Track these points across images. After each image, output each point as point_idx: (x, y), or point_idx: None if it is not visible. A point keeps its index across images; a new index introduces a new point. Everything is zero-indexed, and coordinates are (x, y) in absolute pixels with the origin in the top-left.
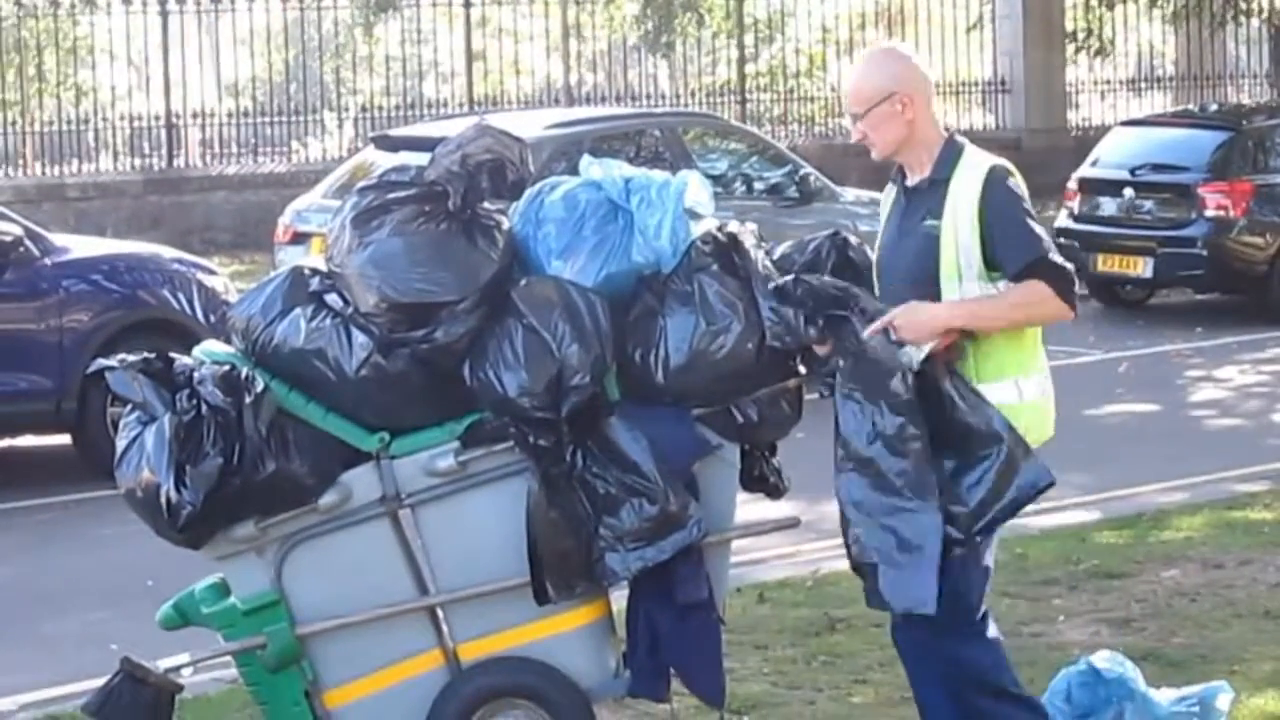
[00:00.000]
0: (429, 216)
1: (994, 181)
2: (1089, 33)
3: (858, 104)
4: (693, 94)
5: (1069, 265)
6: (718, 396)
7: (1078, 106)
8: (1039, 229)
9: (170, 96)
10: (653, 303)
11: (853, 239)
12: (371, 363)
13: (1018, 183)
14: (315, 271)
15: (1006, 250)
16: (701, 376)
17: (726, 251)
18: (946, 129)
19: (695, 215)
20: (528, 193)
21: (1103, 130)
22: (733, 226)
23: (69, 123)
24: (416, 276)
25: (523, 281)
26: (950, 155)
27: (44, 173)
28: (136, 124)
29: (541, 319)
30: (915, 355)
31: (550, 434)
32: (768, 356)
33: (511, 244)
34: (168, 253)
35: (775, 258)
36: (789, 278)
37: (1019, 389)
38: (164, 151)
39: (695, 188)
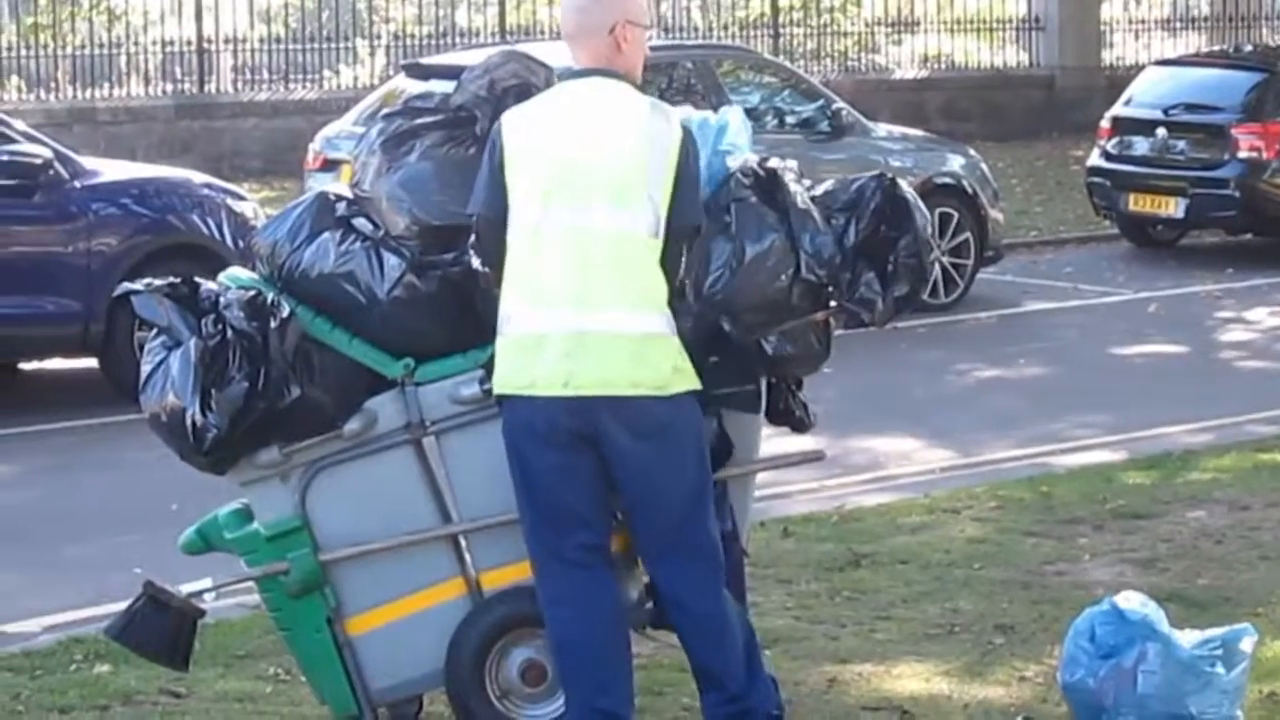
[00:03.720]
0: (457, 141)
1: None
2: None
3: None
4: (725, 27)
5: None
6: (748, 326)
7: (1112, 45)
8: None
9: (202, 21)
10: None
11: (900, 181)
12: (404, 283)
13: None
14: (341, 196)
15: None
16: (734, 304)
17: (765, 184)
18: None
19: (732, 153)
20: None
21: (1136, 69)
22: (773, 161)
23: (101, 46)
24: (447, 199)
25: None
26: None
27: (75, 96)
28: (169, 49)
29: None
30: None
31: None
32: (800, 289)
33: None
34: (197, 178)
35: (817, 195)
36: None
37: None
38: (195, 77)
39: (736, 127)
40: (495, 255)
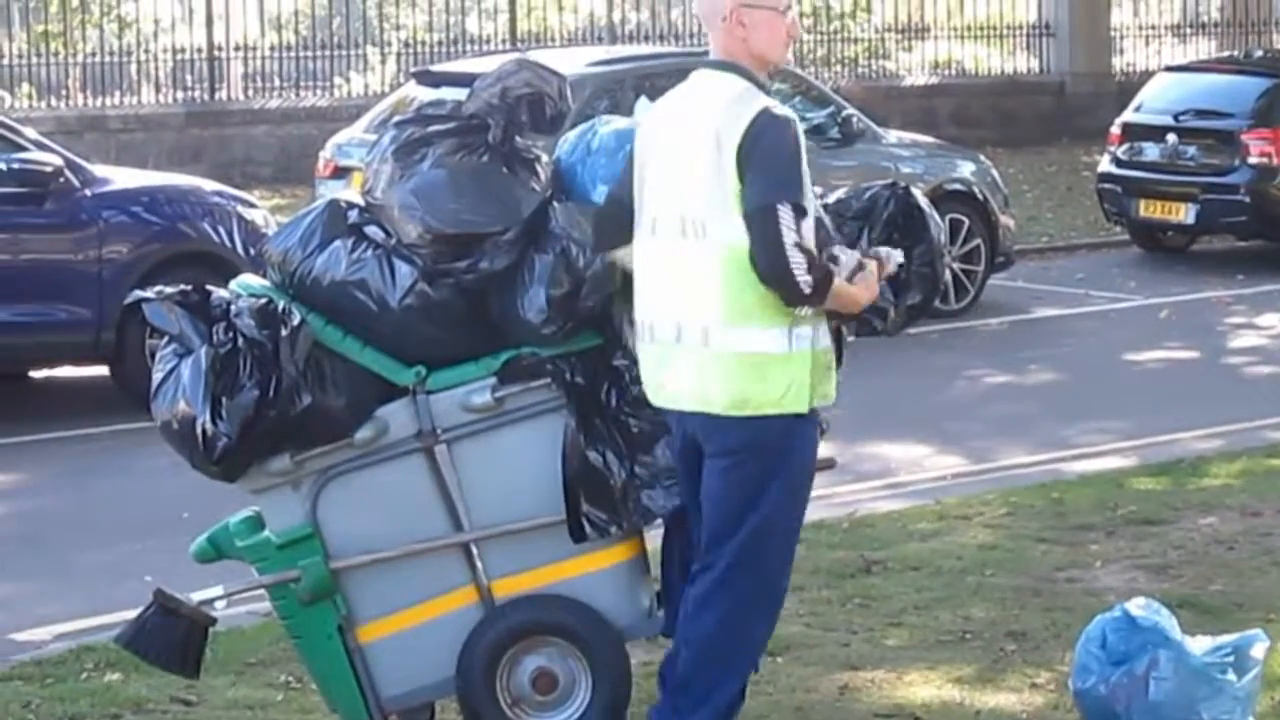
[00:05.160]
0: (470, 149)
1: None
2: None
3: None
4: None
5: None
6: None
7: (1122, 51)
8: None
9: (213, 29)
10: None
11: (915, 190)
12: (416, 291)
13: None
14: (353, 204)
15: None
16: None
17: None
18: None
19: None
20: (580, 127)
21: (1147, 75)
22: None
23: (112, 54)
24: (460, 208)
25: (556, 205)
26: None
27: (86, 104)
28: (179, 56)
29: (571, 239)
30: None
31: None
32: None
33: (553, 176)
34: (208, 185)
35: (831, 202)
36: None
37: None
38: (206, 84)
39: None
40: (607, 242)
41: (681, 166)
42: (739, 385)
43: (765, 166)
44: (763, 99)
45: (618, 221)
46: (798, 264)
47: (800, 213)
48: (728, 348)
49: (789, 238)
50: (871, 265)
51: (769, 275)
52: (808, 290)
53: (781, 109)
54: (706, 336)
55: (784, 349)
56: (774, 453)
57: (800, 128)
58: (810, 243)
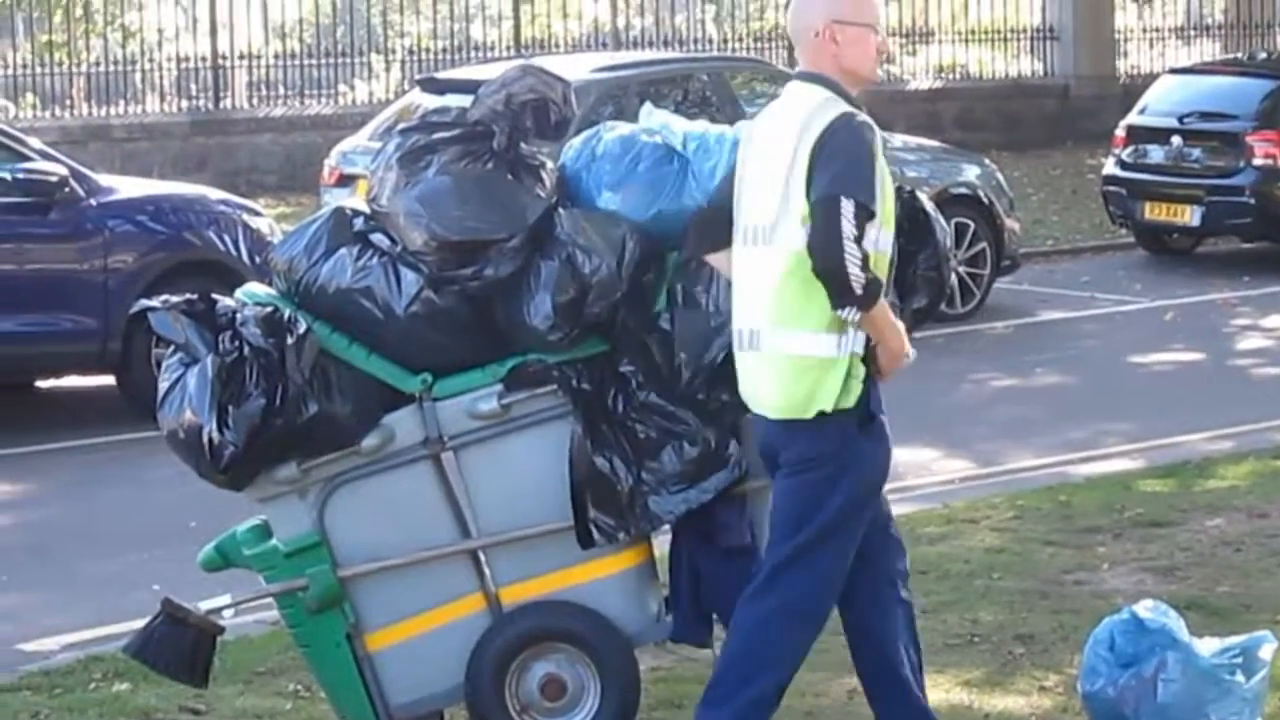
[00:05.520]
0: (475, 156)
1: None
2: None
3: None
4: (740, 39)
5: None
6: None
7: (1126, 54)
8: None
9: (217, 38)
10: None
11: (920, 194)
12: (422, 299)
13: None
14: (358, 212)
15: None
16: None
17: None
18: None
19: None
20: (585, 133)
21: (1151, 78)
22: None
23: (116, 63)
24: (465, 215)
25: (562, 212)
26: None
27: (91, 113)
28: (184, 65)
29: (577, 245)
30: None
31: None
32: None
33: (558, 183)
34: (213, 194)
35: None
36: None
37: None
38: (211, 93)
39: None
40: (701, 246)
41: (764, 175)
42: (793, 389)
43: (834, 161)
44: (844, 105)
45: (715, 227)
46: (852, 257)
47: (865, 214)
48: (781, 351)
49: (848, 230)
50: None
51: (822, 265)
52: (858, 289)
53: (862, 115)
54: (763, 339)
55: (834, 353)
56: (835, 463)
57: (879, 136)
58: (870, 247)
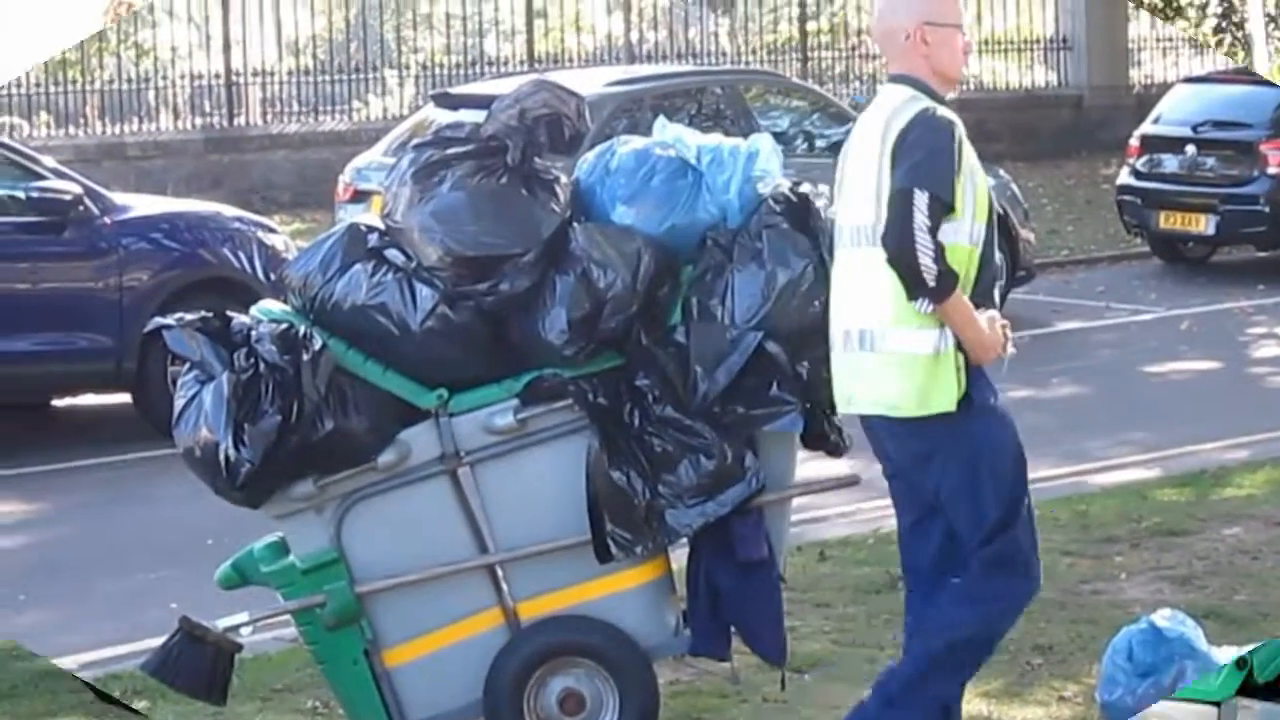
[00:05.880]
0: (489, 171)
1: None
2: None
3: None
4: (754, 51)
5: None
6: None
7: (1140, 64)
8: None
9: (231, 55)
10: (721, 257)
11: None
12: (437, 314)
13: None
14: (372, 228)
15: None
16: (767, 330)
17: (797, 209)
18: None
19: (763, 179)
20: (599, 147)
21: (1165, 87)
22: (805, 187)
23: (129, 81)
24: (480, 230)
25: (576, 226)
26: None
27: (105, 131)
28: (197, 82)
29: (591, 259)
30: None
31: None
32: None
33: (572, 197)
34: (228, 211)
35: None
36: None
37: None
38: (224, 110)
39: (766, 153)
40: None
41: (859, 176)
42: (906, 386)
43: (912, 154)
44: (926, 101)
45: None
46: (924, 248)
47: (941, 207)
48: (896, 349)
49: (920, 221)
50: (1002, 322)
51: (894, 255)
52: (931, 280)
53: (945, 111)
54: (869, 340)
55: (936, 349)
56: (957, 450)
57: (963, 133)
58: (947, 238)
